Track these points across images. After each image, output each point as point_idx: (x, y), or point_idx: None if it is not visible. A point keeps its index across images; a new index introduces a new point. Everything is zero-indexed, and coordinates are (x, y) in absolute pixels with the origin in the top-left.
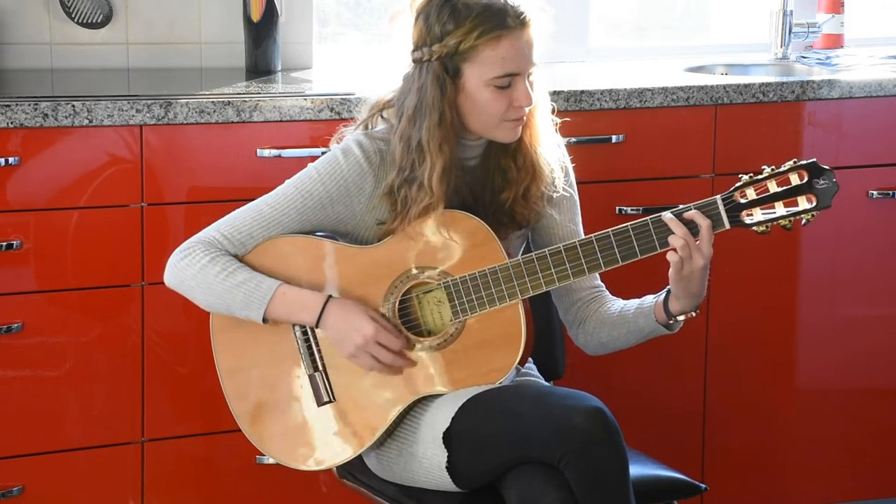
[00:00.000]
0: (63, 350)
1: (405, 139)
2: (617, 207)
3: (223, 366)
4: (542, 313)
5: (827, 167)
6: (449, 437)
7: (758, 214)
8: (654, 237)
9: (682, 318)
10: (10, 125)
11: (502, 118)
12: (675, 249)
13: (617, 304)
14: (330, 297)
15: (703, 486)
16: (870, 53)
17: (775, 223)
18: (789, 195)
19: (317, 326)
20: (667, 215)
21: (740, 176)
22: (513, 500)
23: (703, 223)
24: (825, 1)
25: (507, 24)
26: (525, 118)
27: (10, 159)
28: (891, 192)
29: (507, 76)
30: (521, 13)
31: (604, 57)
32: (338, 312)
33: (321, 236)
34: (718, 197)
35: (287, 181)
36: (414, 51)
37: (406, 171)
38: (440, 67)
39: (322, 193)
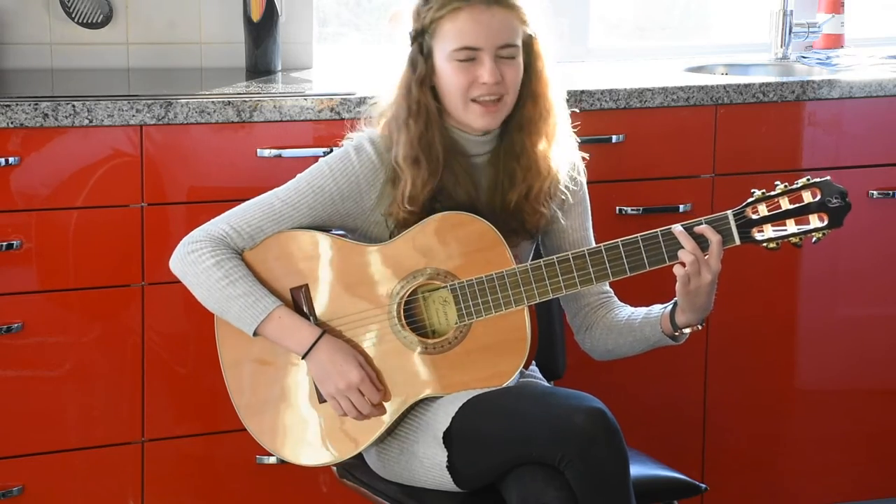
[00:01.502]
0: (63, 350)
1: (392, 149)
2: (617, 207)
3: (226, 358)
4: (543, 314)
5: (840, 186)
6: (449, 437)
7: (768, 231)
8: (664, 250)
9: (687, 330)
10: (10, 125)
11: (466, 96)
12: (683, 263)
13: (624, 311)
14: (324, 333)
15: (703, 486)
16: (870, 53)
17: (785, 240)
18: (801, 213)
19: (303, 359)
20: (677, 228)
21: (752, 191)
22: (513, 500)
23: (714, 238)
24: (825, 1)
25: None
26: (499, 107)
27: (10, 159)
28: (891, 192)
29: (466, 49)
30: None
31: (604, 57)
32: (327, 351)
33: (329, 233)
34: (730, 212)
35: (298, 176)
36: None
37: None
38: (416, 49)
39: (333, 190)
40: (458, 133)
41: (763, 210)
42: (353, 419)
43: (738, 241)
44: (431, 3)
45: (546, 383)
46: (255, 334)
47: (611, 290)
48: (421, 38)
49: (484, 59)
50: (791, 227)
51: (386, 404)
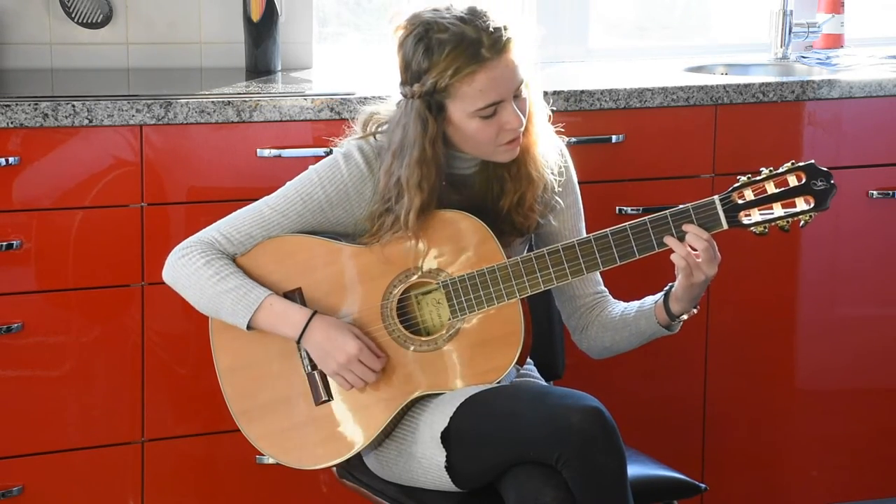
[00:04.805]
0: (63, 350)
1: (388, 174)
2: (617, 207)
3: (222, 365)
4: (543, 313)
5: (824, 168)
6: (447, 437)
7: (756, 215)
8: (652, 237)
9: (685, 316)
10: (10, 125)
11: (496, 144)
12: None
13: (618, 307)
14: (315, 313)
15: (703, 486)
16: (870, 53)
17: (773, 224)
18: (787, 196)
19: (299, 342)
20: (669, 239)
21: (738, 177)
22: (511, 499)
23: (700, 246)
24: (825, 1)
25: (482, 56)
26: (521, 136)
27: (11, 159)
28: (891, 192)
29: (491, 105)
30: (496, 39)
31: (604, 57)
32: (322, 330)
33: (320, 236)
34: (716, 197)
35: (288, 183)
36: (400, 84)
37: (388, 203)
38: (422, 105)
39: (322, 197)
40: (449, 154)
41: (749, 194)
42: (360, 391)
43: (725, 226)
44: (437, 65)
45: (544, 383)
46: (249, 327)
47: (605, 289)
48: (430, 97)
49: (506, 107)
50: (778, 210)
51: (382, 404)
